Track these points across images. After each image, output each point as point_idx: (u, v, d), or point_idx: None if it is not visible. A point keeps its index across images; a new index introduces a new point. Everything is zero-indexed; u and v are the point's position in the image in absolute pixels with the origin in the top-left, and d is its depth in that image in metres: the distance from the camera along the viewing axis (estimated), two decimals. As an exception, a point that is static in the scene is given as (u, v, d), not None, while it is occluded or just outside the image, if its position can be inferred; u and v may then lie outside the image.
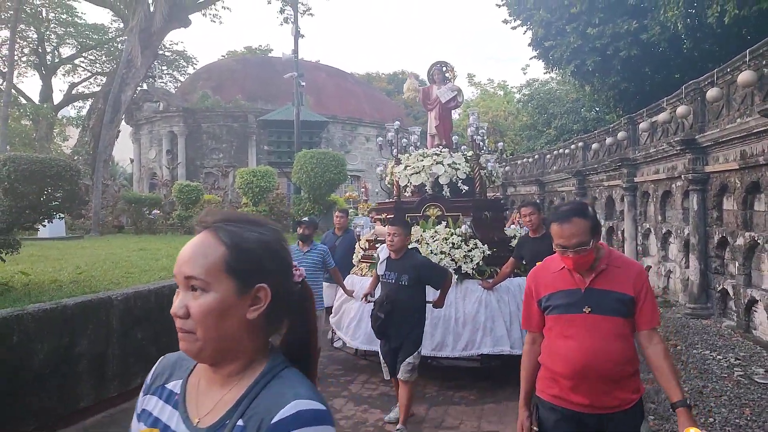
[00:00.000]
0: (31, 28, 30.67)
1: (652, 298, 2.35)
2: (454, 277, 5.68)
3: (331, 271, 6.00)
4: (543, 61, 18.92)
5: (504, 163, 24.70)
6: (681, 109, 9.38)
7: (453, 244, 5.98)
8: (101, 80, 33.30)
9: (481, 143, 7.00)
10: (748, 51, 7.42)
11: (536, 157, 21.20)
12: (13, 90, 25.44)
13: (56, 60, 33.42)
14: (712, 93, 8.30)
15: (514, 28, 18.48)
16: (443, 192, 6.56)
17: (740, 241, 8.08)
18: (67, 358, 4.72)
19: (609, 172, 14.05)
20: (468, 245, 6.00)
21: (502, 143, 8.94)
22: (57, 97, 33.54)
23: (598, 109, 24.67)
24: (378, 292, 4.89)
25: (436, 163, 6.62)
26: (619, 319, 2.30)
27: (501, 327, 5.64)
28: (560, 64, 17.84)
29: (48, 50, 32.72)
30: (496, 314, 5.69)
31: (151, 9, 20.93)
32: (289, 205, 19.27)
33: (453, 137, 7.60)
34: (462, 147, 7.56)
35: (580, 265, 2.29)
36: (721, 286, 8.79)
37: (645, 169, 12.07)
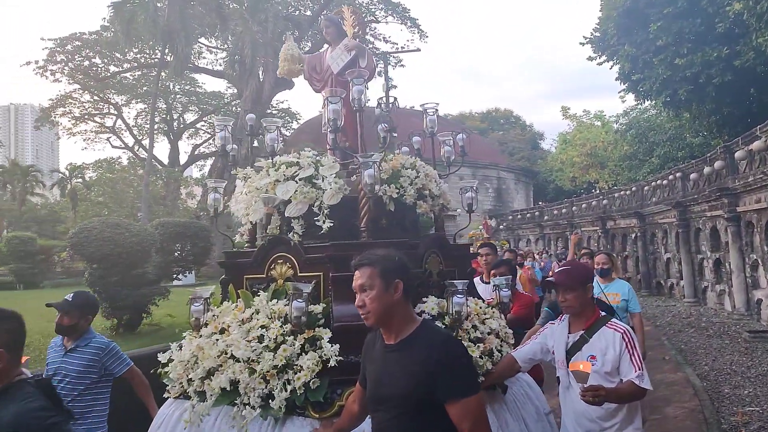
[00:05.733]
0: (161, 100, 35.44)
1: None
2: (255, 411, 2.75)
3: (126, 375, 3.46)
4: (633, 94, 18.74)
5: (601, 196, 24.20)
6: (773, 138, 9.20)
7: (270, 340, 2.88)
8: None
9: (386, 135, 3.95)
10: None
11: (634, 189, 20.66)
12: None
13: (181, 126, 38.15)
14: (801, 121, 8.17)
15: (600, 64, 18.57)
16: (295, 233, 3.38)
17: None
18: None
19: (710, 202, 13.59)
20: (296, 341, 2.87)
21: (462, 134, 4.48)
22: (182, 158, 38.16)
23: (706, 134, 23.39)
24: None
25: (285, 179, 3.51)
26: None
27: None
28: (650, 95, 17.60)
29: (174, 117, 37.48)
30: None
31: (261, 79, 23.62)
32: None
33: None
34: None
35: None
36: (834, 320, 8.35)
37: (746, 198, 11.65)
